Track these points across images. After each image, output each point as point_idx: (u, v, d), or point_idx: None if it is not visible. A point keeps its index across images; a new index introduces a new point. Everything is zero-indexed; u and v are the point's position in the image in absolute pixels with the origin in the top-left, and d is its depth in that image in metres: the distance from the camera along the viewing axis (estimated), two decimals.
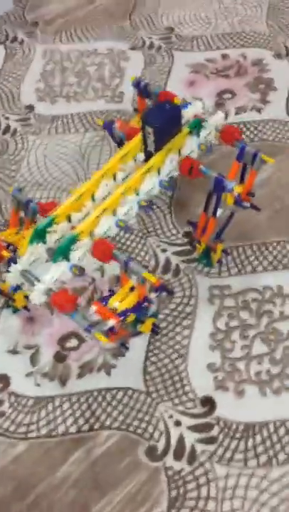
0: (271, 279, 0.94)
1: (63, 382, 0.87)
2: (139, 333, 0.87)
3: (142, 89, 0.95)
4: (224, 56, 1.28)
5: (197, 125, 0.88)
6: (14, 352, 0.90)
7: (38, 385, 0.87)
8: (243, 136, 1.13)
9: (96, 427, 0.83)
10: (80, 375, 0.88)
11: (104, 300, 0.78)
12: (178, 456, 0.80)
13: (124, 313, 0.75)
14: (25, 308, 0.94)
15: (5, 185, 1.11)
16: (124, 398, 0.85)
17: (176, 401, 0.84)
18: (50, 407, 0.85)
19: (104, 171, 0.82)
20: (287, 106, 1.17)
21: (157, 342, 0.90)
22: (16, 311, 0.94)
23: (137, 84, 0.95)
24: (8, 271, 0.79)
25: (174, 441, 0.81)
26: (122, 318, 0.75)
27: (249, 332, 0.89)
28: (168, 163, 0.85)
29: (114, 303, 0.76)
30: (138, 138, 0.86)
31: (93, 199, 0.82)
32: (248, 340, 0.88)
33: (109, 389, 0.86)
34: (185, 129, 0.87)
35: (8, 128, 1.21)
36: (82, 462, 0.80)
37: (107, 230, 0.79)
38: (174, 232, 1.02)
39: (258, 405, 0.82)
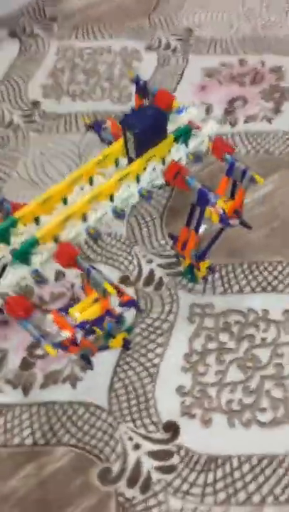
0: (258, 302, 0.87)
1: (26, 391, 0.84)
2: (108, 348, 0.82)
3: (140, 87, 0.90)
4: (241, 61, 1.21)
5: (184, 133, 0.82)
6: None
7: (1, 391, 0.84)
8: (241, 148, 1.06)
9: (52, 442, 0.79)
10: (43, 385, 0.84)
11: (65, 310, 0.74)
12: (132, 482, 0.74)
13: (83, 325, 0.71)
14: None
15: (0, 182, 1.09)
16: (85, 414, 0.80)
17: (139, 423, 0.79)
18: (9, 416, 0.82)
19: (78, 174, 0.77)
20: None
21: (128, 357, 0.85)
22: None
23: (136, 81, 0.90)
24: None
25: (130, 466, 0.76)
26: (78, 329, 0.70)
27: (226, 356, 0.83)
28: (149, 171, 0.80)
29: (75, 313, 0.71)
30: (120, 142, 0.81)
31: (65, 202, 0.78)
32: (224, 366, 0.82)
33: (72, 403, 0.81)
34: (170, 136, 0.81)
35: (11, 123, 1.18)
36: (31, 478, 0.76)
37: (76, 236, 0.75)
38: (163, 242, 0.96)
39: (225, 437, 0.76)
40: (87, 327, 0.71)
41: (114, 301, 0.78)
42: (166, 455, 0.76)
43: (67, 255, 0.72)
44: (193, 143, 0.84)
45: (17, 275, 0.72)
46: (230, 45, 1.25)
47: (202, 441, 0.76)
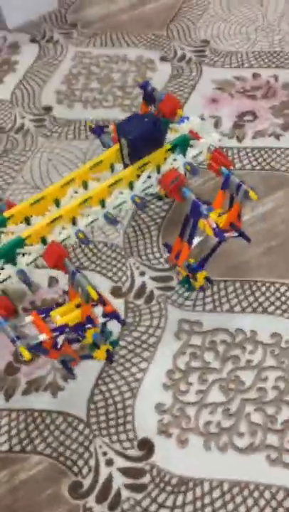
0: (247, 322, 0.86)
1: (9, 396, 0.84)
2: (90, 357, 0.82)
3: (148, 92, 0.89)
4: (255, 75, 1.20)
5: (181, 142, 0.81)
6: None
7: None
8: (246, 164, 1.04)
9: (28, 449, 0.79)
10: (25, 392, 0.83)
11: (45, 312, 0.73)
12: (101, 498, 0.73)
13: (62, 329, 0.70)
14: None
15: (4, 185, 1.10)
16: (62, 424, 0.80)
17: (114, 438, 0.78)
18: None
19: (70, 178, 0.77)
20: None
21: (111, 370, 0.84)
22: None
23: (144, 86, 0.89)
24: None
25: (100, 481, 0.75)
26: (56, 334, 0.70)
27: (209, 376, 0.81)
28: (144, 179, 0.79)
29: (56, 316, 0.71)
30: (115, 148, 0.81)
31: (58, 205, 0.77)
32: (206, 385, 0.80)
33: (51, 412, 0.81)
34: (167, 145, 0.80)
35: (21, 127, 1.19)
36: (3, 485, 0.76)
37: (65, 238, 0.75)
38: (158, 255, 0.95)
39: (199, 459, 0.75)
40: (66, 331, 0.71)
41: (98, 311, 0.77)
42: (137, 473, 0.74)
43: (56, 255, 0.71)
44: (190, 153, 0.82)
45: (2, 274, 0.72)
46: (245, 58, 1.24)
47: (176, 461, 0.75)
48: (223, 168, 0.80)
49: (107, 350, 0.81)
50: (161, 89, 1.18)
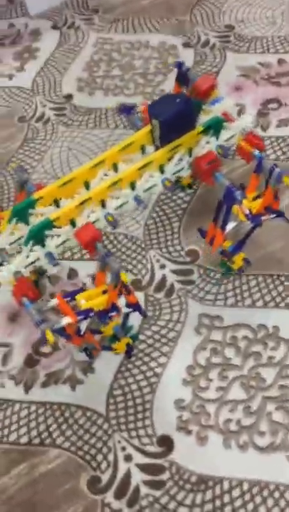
0: (269, 318, 0.84)
1: (28, 388, 0.84)
2: (110, 349, 0.81)
3: (182, 72, 0.85)
4: (280, 61, 1.16)
5: (214, 124, 0.78)
6: None
7: (3, 386, 0.84)
8: (270, 153, 1.01)
9: (47, 442, 0.79)
10: (44, 384, 0.83)
11: (70, 295, 0.72)
12: (119, 494, 0.73)
13: (86, 314, 0.69)
14: None
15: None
16: (81, 418, 0.79)
17: (133, 433, 0.77)
18: (8, 411, 0.82)
19: (99, 160, 0.76)
20: None
21: (130, 364, 0.83)
22: None
23: (178, 66, 0.86)
24: None
25: (119, 477, 0.74)
26: (80, 317, 0.69)
27: (229, 373, 0.80)
28: (175, 162, 0.77)
29: (81, 300, 0.70)
30: (146, 129, 0.78)
31: (87, 187, 0.76)
32: (226, 382, 0.79)
33: (70, 405, 0.81)
34: (199, 127, 0.78)
35: (42, 116, 1.18)
36: (23, 477, 0.76)
37: (94, 221, 0.73)
38: (178, 248, 0.94)
39: (218, 458, 0.74)
40: (90, 315, 0.69)
41: (121, 301, 0.76)
42: (156, 470, 0.74)
43: (92, 235, 0.70)
44: (223, 136, 0.80)
45: (31, 256, 0.71)
46: (270, 43, 1.20)
47: (195, 459, 0.74)
48: (256, 151, 0.77)
49: (127, 344, 0.80)
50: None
